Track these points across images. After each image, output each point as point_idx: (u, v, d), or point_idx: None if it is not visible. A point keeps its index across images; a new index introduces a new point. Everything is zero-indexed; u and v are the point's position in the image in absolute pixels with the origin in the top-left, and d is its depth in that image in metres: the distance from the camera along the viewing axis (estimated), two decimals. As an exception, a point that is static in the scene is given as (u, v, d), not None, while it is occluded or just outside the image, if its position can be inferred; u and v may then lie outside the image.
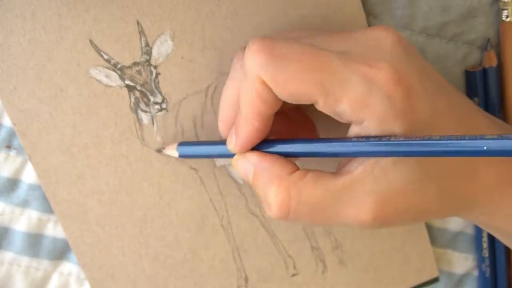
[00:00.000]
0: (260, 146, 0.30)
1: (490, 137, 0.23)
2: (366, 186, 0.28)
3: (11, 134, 0.35)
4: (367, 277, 0.39)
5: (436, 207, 0.30)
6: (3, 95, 0.34)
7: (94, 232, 0.36)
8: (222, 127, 0.32)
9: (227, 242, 0.38)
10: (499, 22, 0.38)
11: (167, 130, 0.36)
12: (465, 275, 0.41)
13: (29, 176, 0.36)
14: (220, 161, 0.37)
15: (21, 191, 0.36)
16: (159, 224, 0.37)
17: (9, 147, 0.36)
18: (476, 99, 0.38)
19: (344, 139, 0.27)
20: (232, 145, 0.30)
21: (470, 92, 0.38)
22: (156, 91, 0.35)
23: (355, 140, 0.27)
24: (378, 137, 0.26)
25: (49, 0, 0.33)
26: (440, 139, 0.25)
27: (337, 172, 0.29)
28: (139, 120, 0.36)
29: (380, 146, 0.26)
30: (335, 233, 0.39)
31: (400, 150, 0.26)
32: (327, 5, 0.36)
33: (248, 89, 0.27)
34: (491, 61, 0.38)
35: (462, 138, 0.24)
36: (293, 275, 0.39)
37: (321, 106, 0.27)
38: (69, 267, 0.38)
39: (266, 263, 0.38)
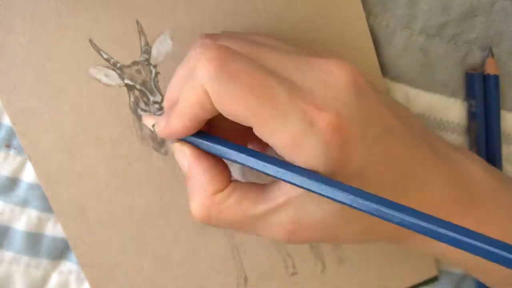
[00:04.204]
0: (199, 138, 0.30)
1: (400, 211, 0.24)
2: (286, 214, 0.28)
3: (11, 134, 0.36)
4: (366, 276, 0.39)
5: (357, 240, 0.31)
6: (3, 95, 0.34)
7: (94, 231, 0.36)
8: (166, 105, 0.32)
9: (226, 242, 0.38)
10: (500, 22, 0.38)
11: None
12: (465, 275, 0.41)
13: (28, 175, 0.36)
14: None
15: (21, 191, 0.36)
16: (158, 224, 0.37)
17: (8, 146, 0.36)
18: (472, 101, 0.38)
19: (278, 162, 0.27)
20: (159, 128, 0.31)
21: (469, 94, 0.38)
22: (156, 91, 0.35)
23: (286, 169, 0.27)
24: (311, 173, 0.26)
25: (48, -1, 0.33)
26: (360, 194, 0.25)
27: (264, 188, 0.29)
28: (139, 120, 0.36)
29: (310, 183, 0.26)
30: (335, 232, 0.39)
31: (326, 194, 0.26)
32: (327, 5, 0.36)
33: (191, 91, 0.27)
34: (491, 69, 0.38)
35: (377, 200, 0.25)
36: (293, 274, 0.39)
37: (255, 132, 0.27)
38: (69, 267, 0.38)
39: (266, 262, 0.38)
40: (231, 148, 0.29)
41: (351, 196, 0.25)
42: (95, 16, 0.34)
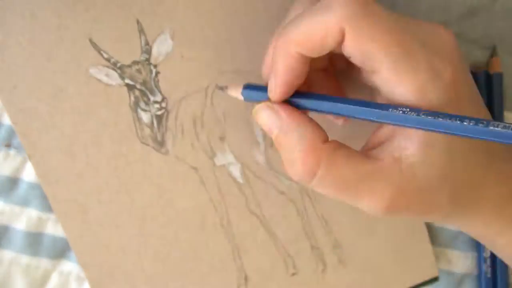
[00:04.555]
0: (291, 100, 0.29)
1: None
2: (391, 176, 0.28)
3: (11, 133, 0.36)
4: (366, 276, 0.39)
5: (443, 213, 0.30)
6: (3, 95, 0.34)
7: (94, 231, 0.36)
8: (265, 72, 0.31)
9: (227, 242, 0.38)
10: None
11: (167, 129, 0.36)
12: (465, 275, 0.40)
13: (28, 175, 0.36)
14: (220, 161, 0.37)
15: (21, 190, 0.36)
16: (158, 223, 0.37)
17: (8, 146, 0.36)
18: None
19: (389, 107, 0.27)
20: (272, 92, 0.29)
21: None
22: (156, 90, 0.35)
23: (405, 111, 0.26)
24: (430, 112, 0.26)
25: (48, -1, 0.33)
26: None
27: (365, 153, 0.29)
28: (139, 119, 0.36)
29: (431, 120, 0.26)
30: (335, 233, 0.39)
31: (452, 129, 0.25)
32: (327, 4, 0.36)
33: (322, 27, 0.27)
34: (496, 68, 0.38)
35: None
36: (293, 274, 0.39)
37: (379, 77, 0.27)
38: (69, 266, 0.38)
39: (266, 262, 0.38)
40: (340, 102, 0.28)
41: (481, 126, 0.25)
42: (95, 16, 0.34)
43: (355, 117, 0.28)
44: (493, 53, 0.38)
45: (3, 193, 0.36)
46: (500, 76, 0.38)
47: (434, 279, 0.40)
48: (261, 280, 0.38)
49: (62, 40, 0.34)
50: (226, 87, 0.33)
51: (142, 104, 0.35)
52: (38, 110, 0.35)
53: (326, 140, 0.28)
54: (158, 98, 0.35)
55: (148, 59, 0.35)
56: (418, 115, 0.26)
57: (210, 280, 0.38)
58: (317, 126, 0.29)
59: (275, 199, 0.38)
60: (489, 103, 0.38)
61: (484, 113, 0.29)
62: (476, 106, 0.29)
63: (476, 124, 0.25)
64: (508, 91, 0.38)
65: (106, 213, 0.36)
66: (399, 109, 0.26)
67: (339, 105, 0.28)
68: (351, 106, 0.28)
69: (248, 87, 0.31)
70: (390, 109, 0.27)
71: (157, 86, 0.35)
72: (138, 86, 0.35)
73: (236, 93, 0.32)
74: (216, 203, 0.37)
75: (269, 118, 0.29)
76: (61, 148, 0.35)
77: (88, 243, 0.36)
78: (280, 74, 0.28)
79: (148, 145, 0.36)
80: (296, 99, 0.29)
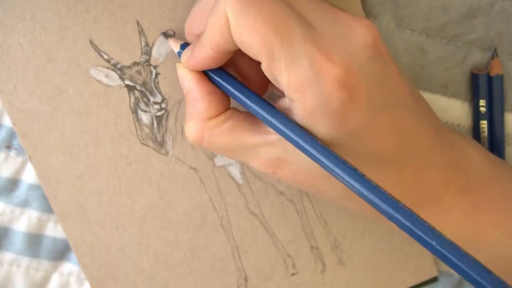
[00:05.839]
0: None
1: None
2: (275, 151, 0.29)
3: (11, 134, 0.36)
4: (366, 277, 0.39)
5: (337, 200, 0.31)
6: (4, 95, 0.34)
7: (94, 232, 0.36)
8: (187, 30, 0.32)
9: (226, 242, 0.38)
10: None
11: (166, 130, 0.36)
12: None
13: (29, 176, 0.36)
14: (220, 161, 0.37)
15: (21, 191, 0.36)
16: (159, 224, 0.37)
17: (9, 147, 0.36)
18: (482, 101, 0.38)
19: (275, 111, 0.28)
20: (184, 58, 0.31)
21: (476, 94, 0.38)
22: (156, 91, 0.35)
23: (283, 119, 0.27)
24: (309, 135, 0.27)
25: (49, 0, 0.33)
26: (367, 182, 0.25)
27: (260, 123, 0.30)
28: (139, 120, 0.36)
29: (304, 141, 0.27)
30: (335, 233, 0.39)
31: (320, 159, 0.26)
32: (327, 5, 0.36)
33: (214, 20, 0.27)
34: (497, 69, 0.38)
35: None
36: (293, 274, 0.39)
37: (263, 67, 0.27)
38: (69, 267, 0.38)
39: (266, 262, 0.38)
40: (235, 88, 0.29)
41: (329, 162, 0.26)
42: (95, 17, 0.34)
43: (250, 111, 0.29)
44: (494, 55, 0.38)
45: (3, 194, 0.36)
46: (500, 78, 0.38)
47: (434, 279, 0.40)
48: (261, 280, 0.39)
49: (62, 41, 0.34)
50: (170, 36, 0.35)
51: (142, 105, 0.35)
52: (39, 111, 0.35)
53: (216, 114, 0.30)
54: (158, 99, 0.35)
55: (148, 60, 0.35)
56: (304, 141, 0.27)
57: (210, 280, 0.38)
58: (214, 99, 0.30)
59: (274, 199, 0.38)
60: (490, 105, 0.38)
61: (388, 115, 0.29)
62: (375, 108, 0.28)
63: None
64: (508, 93, 0.39)
65: (106, 213, 0.36)
66: (287, 124, 0.27)
67: (237, 94, 0.29)
68: (248, 100, 0.29)
69: (185, 44, 0.33)
70: (264, 111, 0.28)
71: (157, 87, 0.35)
72: (138, 87, 0.35)
73: (175, 46, 0.33)
74: (216, 204, 0.37)
75: (181, 78, 0.31)
76: (61, 149, 0.35)
77: (89, 244, 0.36)
78: (197, 58, 0.30)
79: (148, 146, 0.36)
80: (213, 72, 0.31)
